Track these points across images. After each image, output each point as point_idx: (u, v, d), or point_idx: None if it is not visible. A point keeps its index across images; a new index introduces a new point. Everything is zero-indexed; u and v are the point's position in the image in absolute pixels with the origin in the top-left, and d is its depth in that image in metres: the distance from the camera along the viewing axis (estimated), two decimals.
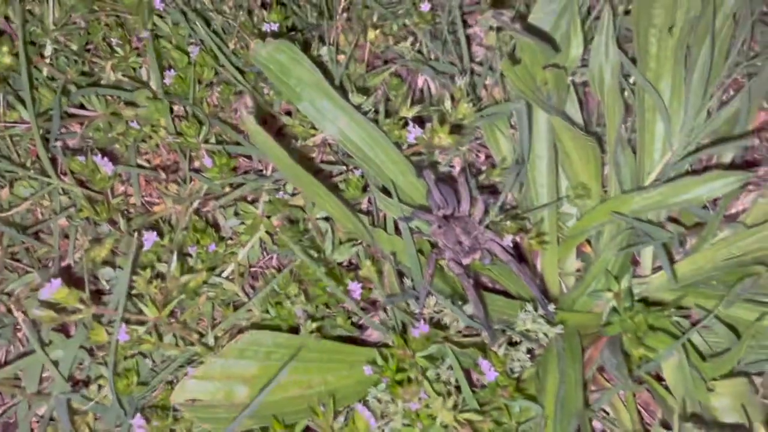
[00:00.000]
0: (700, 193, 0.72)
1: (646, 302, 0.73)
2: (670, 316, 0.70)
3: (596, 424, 0.72)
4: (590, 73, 0.75)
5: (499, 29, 0.71)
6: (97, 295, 0.73)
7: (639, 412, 0.74)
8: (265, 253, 0.78)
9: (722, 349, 0.69)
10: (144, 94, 0.74)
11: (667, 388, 0.69)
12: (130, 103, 0.78)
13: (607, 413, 0.74)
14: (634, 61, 0.78)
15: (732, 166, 0.79)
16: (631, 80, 0.80)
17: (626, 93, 0.81)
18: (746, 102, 0.76)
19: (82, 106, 0.82)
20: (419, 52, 0.82)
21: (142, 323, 0.65)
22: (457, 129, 0.75)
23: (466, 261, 0.67)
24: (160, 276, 0.70)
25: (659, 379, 0.72)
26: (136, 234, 0.70)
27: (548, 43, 0.67)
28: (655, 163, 0.76)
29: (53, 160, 0.77)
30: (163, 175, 0.77)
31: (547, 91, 0.69)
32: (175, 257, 0.65)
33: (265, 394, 0.59)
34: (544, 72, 0.68)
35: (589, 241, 0.78)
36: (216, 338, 0.69)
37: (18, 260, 0.75)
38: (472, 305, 0.64)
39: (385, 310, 0.71)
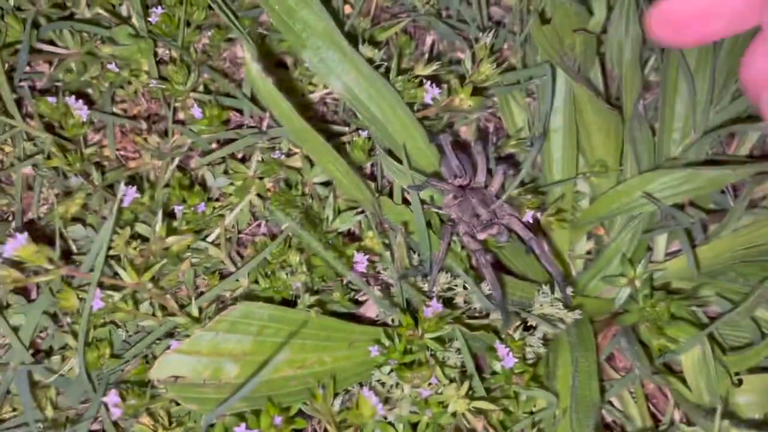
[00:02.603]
0: (722, 179, 0.68)
1: (665, 290, 0.69)
2: (690, 305, 0.66)
3: (604, 414, 0.68)
4: (608, 47, 0.70)
5: None
6: (66, 253, 0.65)
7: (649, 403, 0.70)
8: (253, 218, 0.71)
9: (742, 344, 0.66)
10: (125, 31, 0.65)
11: (682, 380, 0.65)
12: (108, 42, 0.69)
13: (613, 405, 0.70)
14: None
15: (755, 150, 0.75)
16: (652, 60, 0.75)
17: (647, 70, 0.76)
18: None
19: (51, 43, 0.72)
20: (432, 6, 0.75)
21: (117, 289, 0.58)
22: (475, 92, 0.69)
23: (481, 236, 0.61)
24: (138, 237, 0.62)
25: (672, 371, 0.68)
26: (114, 188, 0.62)
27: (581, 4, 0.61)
28: (675, 143, 0.71)
29: (18, 102, 0.68)
30: (144, 125, 0.69)
31: (573, 57, 0.64)
32: (160, 216, 0.57)
33: (263, 374, 0.53)
34: (573, 35, 0.62)
35: (602, 222, 0.73)
36: (201, 309, 0.62)
37: None
38: (489, 285, 0.59)
39: (387, 287, 0.65)
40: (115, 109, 0.74)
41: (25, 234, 0.50)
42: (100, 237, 0.52)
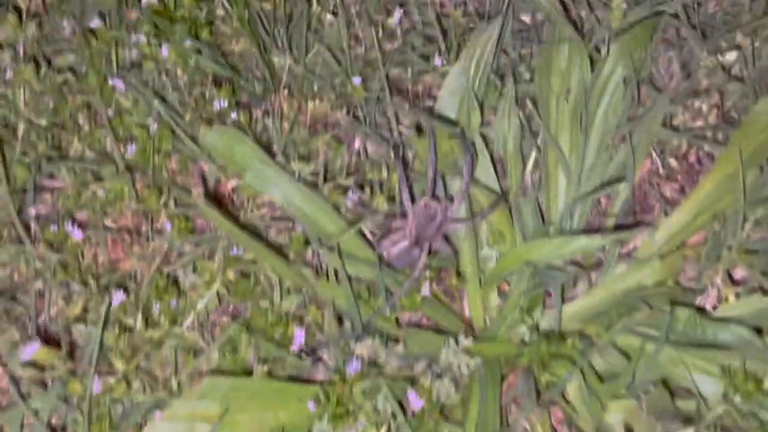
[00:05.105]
0: (592, 245, 0.84)
1: (560, 333, 0.84)
2: (574, 344, 0.81)
3: None
4: (496, 138, 0.88)
5: None
6: (72, 346, 0.82)
7: (554, 429, 0.85)
8: (222, 302, 0.88)
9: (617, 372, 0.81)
10: (108, 169, 0.83)
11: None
12: (98, 175, 0.88)
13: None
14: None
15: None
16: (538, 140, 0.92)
17: (533, 152, 0.93)
18: (631, 152, 0.88)
19: (51, 176, 0.91)
20: (355, 117, 0.93)
21: (112, 374, 0.75)
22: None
23: None
24: (127, 329, 0.79)
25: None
26: (105, 292, 0.79)
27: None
28: (559, 213, 0.88)
29: (27, 227, 0.86)
30: (128, 236, 0.86)
31: (453, 159, 0.82)
32: (140, 314, 0.74)
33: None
34: (449, 142, 0.81)
35: (505, 279, 0.90)
36: (179, 383, 0.78)
37: None
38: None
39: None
40: (107, 221, 0.92)
41: (37, 342, 0.67)
42: (93, 337, 0.69)
